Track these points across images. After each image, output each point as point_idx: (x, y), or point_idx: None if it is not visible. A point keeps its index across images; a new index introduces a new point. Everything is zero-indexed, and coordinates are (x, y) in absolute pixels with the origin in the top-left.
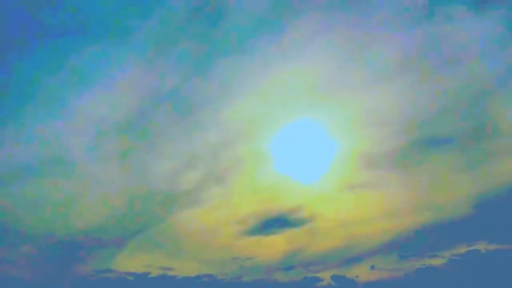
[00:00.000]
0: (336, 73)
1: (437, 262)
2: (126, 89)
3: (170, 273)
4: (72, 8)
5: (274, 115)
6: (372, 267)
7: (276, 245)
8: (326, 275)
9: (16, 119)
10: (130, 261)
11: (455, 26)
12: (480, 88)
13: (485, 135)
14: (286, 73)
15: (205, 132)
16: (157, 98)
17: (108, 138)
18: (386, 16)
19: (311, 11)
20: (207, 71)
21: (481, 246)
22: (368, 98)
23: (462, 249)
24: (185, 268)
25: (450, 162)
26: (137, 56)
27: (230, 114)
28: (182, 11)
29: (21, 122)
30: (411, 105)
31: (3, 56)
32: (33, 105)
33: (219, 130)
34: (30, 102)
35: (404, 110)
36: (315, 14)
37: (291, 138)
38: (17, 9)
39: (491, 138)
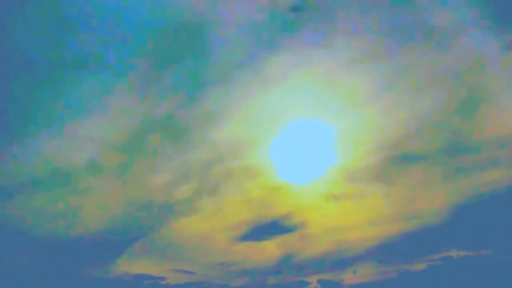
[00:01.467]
0: (313, 98)
1: (417, 267)
2: (122, 114)
3: (162, 282)
4: (73, 46)
5: (258, 134)
6: (355, 272)
7: (267, 250)
8: (313, 279)
9: (23, 139)
10: (127, 268)
11: (422, 58)
12: (450, 110)
13: (456, 152)
14: (267, 99)
15: (197, 150)
16: (151, 122)
17: (107, 155)
18: (359, 50)
19: (288, 47)
20: (197, 99)
21: (453, 253)
22: (345, 120)
23: (438, 255)
24: (178, 275)
25: (424, 176)
26: (132, 86)
27: (219, 135)
28: (172, 48)
29: (27, 142)
30: (385, 126)
31: (13, 87)
32: (38, 127)
33: (209, 149)
34: (35, 124)
35: (380, 131)
36: (292, 50)
37: (277, 153)
38: (25, 45)
39: (462, 155)
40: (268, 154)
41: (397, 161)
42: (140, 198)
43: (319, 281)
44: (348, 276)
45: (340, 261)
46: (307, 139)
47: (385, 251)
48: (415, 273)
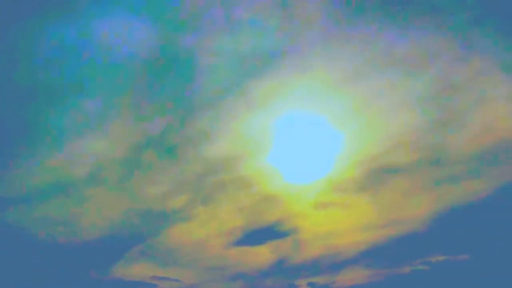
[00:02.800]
0: (298, 118)
1: (402, 270)
2: (119, 133)
3: None
4: (73, 73)
5: (247, 150)
6: (345, 275)
7: (261, 255)
8: (303, 282)
9: (27, 155)
10: (123, 272)
11: (396, 82)
12: (424, 127)
13: (433, 165)
14: (254, 120)
15: (190, 164)
16: (147, 140)
17: (106, 168)
18: (337, 75)
19: (272, 74)
20: (188, 120)
21: (435, 258)
22: (328, 137)
23: (421, 260)
24: (171, 280)
25: (406, 187)
26: (128, 108)
27: (210, 151)
28: (164, 74)
29: (31, 156)
30: (367, 141)
31: (19, 109)
32: (41, 144)
33: (201, 163)
34: (39, 141)
35: (361, 145)
36: (275, 76)
37: (265, 167)
38: (31, 72)
39: (440, 167)
40: (256, 168)
41: (379, 173)
42: (137, 207)
43: (309, 284)
44: (338, 279)
45: (330, 265)
46: (292, 154)
47: (372, 255)
48: (401, 276)
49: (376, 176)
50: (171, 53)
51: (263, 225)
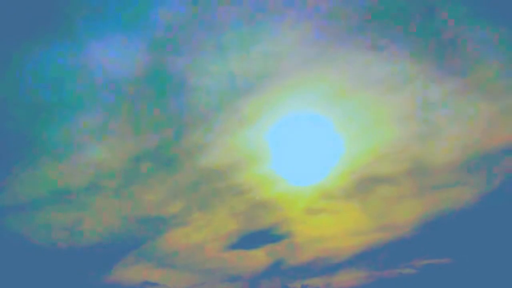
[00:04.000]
0: (287, 134)
1: (392, 273)
2: (117, 146)
3: None
4: (72, 90)
5: (240, 161)
6: (337, 277)
7: (256, 258)
8: (297, 285)
9: (31, 165)
10: (122, 275)
11: (377, 99)
12: (407, 140)
13: (417, 175)
14: (245, 133)
15: (186, 174)
16: (144, 152)
17: (104, 178)
18: (323, 92)
19: (262, 90)
20: (183, 134)
21: (420, 261)
22: (318, 148)
23: (407, 263)
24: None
25: (392, 195)
26: (126, 122)
27: (205, 161)
28: (160, 92)
29: (35, 167)
30: (354, 153)
31: (24, 124)
32: (45, 156)
33: (197, 172)
34: (43, 154)
35: (349, 157)
36: (265, 93)
37: (257, 175)
38: (34, 90)
39: (423, 176)
40: (250, 175)
41: (367, 182)
42: (135, 213)
43: (302, 286)
44: (330, 282)
45: (323, 268)
46: (283, 165)
47: (362, 259)
48: (390, 280)
49: (365, 185)
50: (164, 72)
51: (258, 229)
